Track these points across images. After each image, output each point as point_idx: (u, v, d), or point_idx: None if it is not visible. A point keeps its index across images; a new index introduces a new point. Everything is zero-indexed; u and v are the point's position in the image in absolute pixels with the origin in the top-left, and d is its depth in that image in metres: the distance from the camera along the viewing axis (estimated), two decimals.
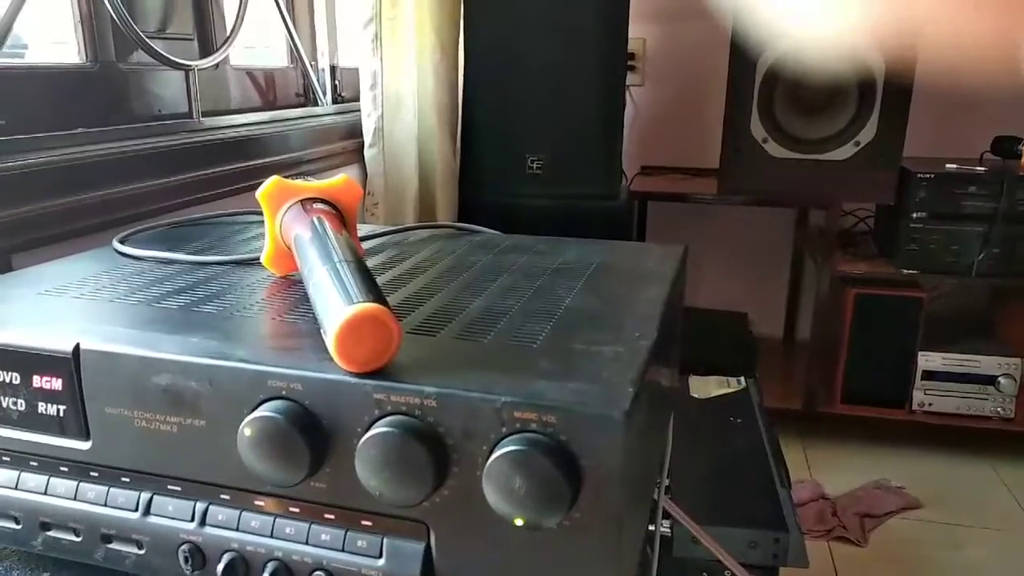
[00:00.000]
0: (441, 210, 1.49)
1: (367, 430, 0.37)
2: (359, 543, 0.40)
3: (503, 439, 0.35)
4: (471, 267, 0.59)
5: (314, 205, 0.53)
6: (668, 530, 0.88)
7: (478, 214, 1.53)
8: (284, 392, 0.38)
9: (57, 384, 0.42)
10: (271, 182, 0.53)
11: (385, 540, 0.39)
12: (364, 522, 0.40)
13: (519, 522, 0.35)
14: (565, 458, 0.35)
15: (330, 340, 0.37)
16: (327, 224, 0.50)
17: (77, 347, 0.42)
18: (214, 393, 0.39)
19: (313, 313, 0.42)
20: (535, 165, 1.54)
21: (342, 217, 0.54)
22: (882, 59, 1.66)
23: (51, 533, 0.45)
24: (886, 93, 1.68)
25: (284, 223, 0.53)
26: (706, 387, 1.28)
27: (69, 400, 0.42)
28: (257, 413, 0.38)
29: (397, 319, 0.38)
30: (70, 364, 0.42)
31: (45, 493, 0.45)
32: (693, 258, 2.21)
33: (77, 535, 0.45)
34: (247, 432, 0.38)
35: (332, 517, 0.40)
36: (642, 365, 0.40)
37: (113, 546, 0.44)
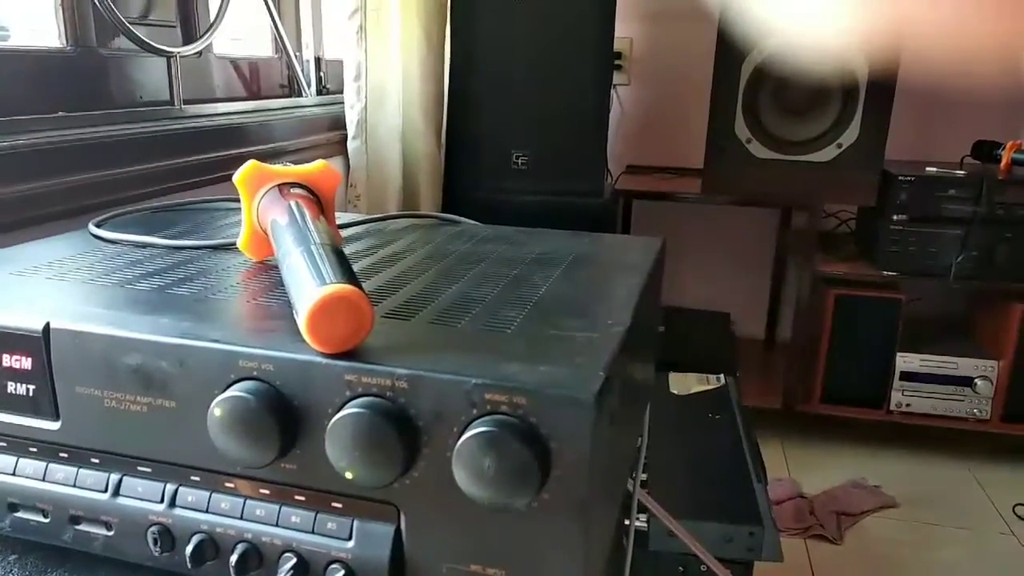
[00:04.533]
0: (424, 204, 1.49)
1: (338, 411, 0.37)
2: (329, 525, 0.40)
3: (473, 421, 0.35)
4: (448, 255, 0.59)
5: (291, 190, 0.53)
6: (644, 524, 0.89)
7: (462, 208, 1.51)
8: (255, 372, 0.38)
9: (27, 363, 0.42)
10: (248, 166, 0.53)
11: (355, 522, 0.39)
12: (334, 504, 0.40)
13: (488, 504, 0.35)
14: (535, 440, 0.35)
15: (302, 321, 0.37)
16: (304, 209, 0.49)
17: (47, 326, 0.41)
18: (185, 373, 0.39)
19: (287, 296, 0.42)
20: (520, 161, 1.54)
21: (320, 203, 0.54)
22: (865, 62, 1.67)
23: (19, 514, 0.45)
24: (869, 96, 1.70)
25: (261, 208, 0.53)
26: (686, 383, 1.28)
27: (38, 380, 0.42)
28: (227, 393, 0.38)
29: (370, 301, 0.38)
30: (40, 343, 0.41)
31: (13, 474, 0.44)
32: (676, 258, 2.22)
33: (45, 516, 0.44)
34: (217, 412, 0.38)
35: (302, 499, 0.40)
36: (614, 351, 0.40)
37: (82, 528, 0.44)
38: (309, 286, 0.39)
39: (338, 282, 0.38)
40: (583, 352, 0.39)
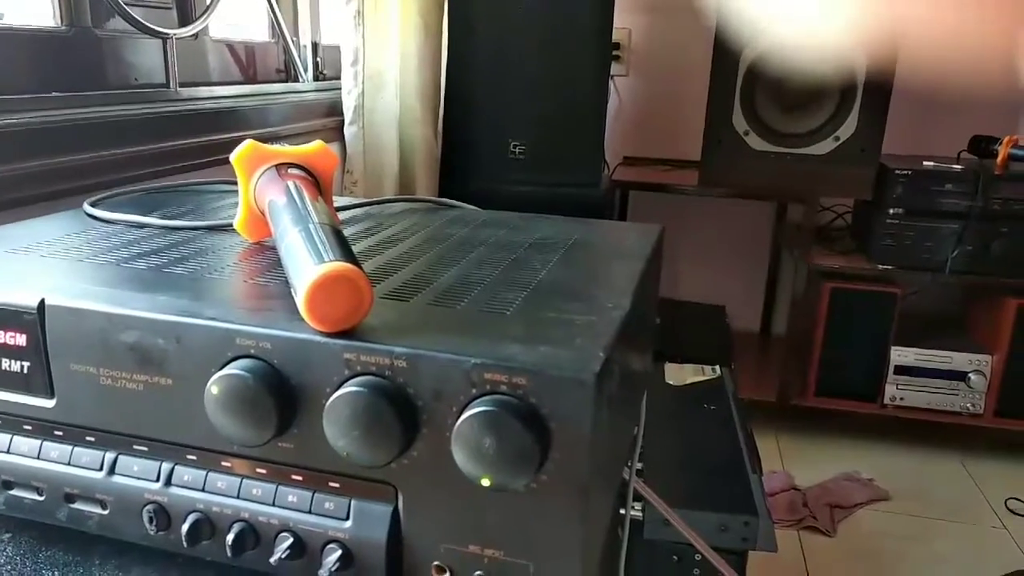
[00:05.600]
0: (421, 191, 1.48)
1: (336, 390, 0.36)
2: (326, 505, 0.39)
3: (473, 400, 0.35)
4: (447, 239, 0.59)
5: (289, 171, 0.52)
6: (639, 513, 0.89)
7: (458, 197, 1.51)
8: (253, 351, 0.38)
9: (21, 340, 0.42)
10: (246, 146, 0.52)
11: (352, 502, 0.39)
12: (331, 484, 0.39)
13: (486, 483, 0.35)
14: (534, 420, 0.34)
15: (300, 299, 0.37)
16: (303, 189, 0.49)
17: (42, 303, 0.41)
18: (181, 351, 0.39)
19: (285, 276, 0.42)
20: (517, 150, 1.54)
21: (318, 184, 0.54)
22: (864, 57, 1.67)
23: (13, 492, 0.45)
24: (867, 90, 1.69)
25: (258, 188, 0.52)
26: (681, 374, 1.28)
27: (33, 357, 0.42)
28: (225, 371, 0.37)
29: (369, 280, 0.38)
30: (35, 320, 0.41)
31: (8, 452, 0.44)
32: (672, 250, 2.22)
33: (40, 494, 0.44)
34: (214, 390, 0.37)
35: (299, 479, 0.40)
36: (614, 333, 0.39)
37: (76, 506, 0.44)
38: (307, 264, 0.38)
39: (337, 260, 0.38)
40: (583, 334, 0.39)
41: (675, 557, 0.93)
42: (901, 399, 1.91)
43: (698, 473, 1.01)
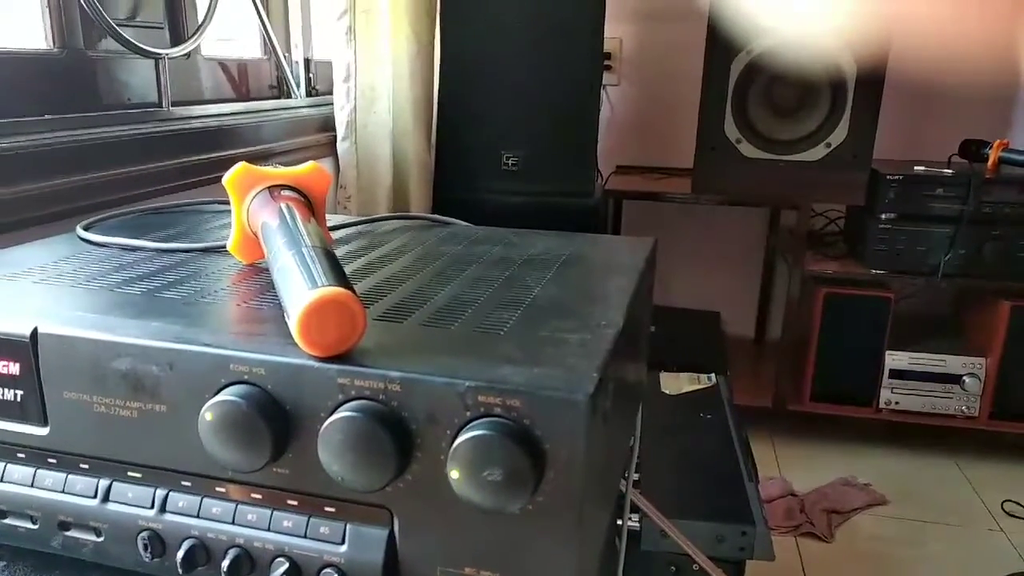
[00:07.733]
0: (415, 205, 1.48)
1: (330, 415, 0.36)
2: (321, 529, 0.39)
3: (467, 423, 0.35)
4: (441, 257, 0.59)
5: (282, 192, 0.52)
6: (636, 524, 0.89)
7: (452, 209, 1.51)
8: (246, 376, 0.38)
9: (15, 368, 0.42)
10: (238, 168, 0.52)
11: (348, 526, 0.39)
12: (327, 508, 0.39)
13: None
14: (529, 442, 0.35)
15: (293, 324, 0.37)
16: (295, 211, 0.49)
17: (35, 331, 0.41)
18: (175, 377, 0.39)
19: (278, 300, 0.42)
20: (511, 162, 1.54)
21: (311, 205, 0.54)
22: (854, 63, 1.68)
23: (7, 521, 0.44)
24: (857, 96, 1.70)
25: (251, 210, 0.52)
26: (677, 383, 1.29)
27: (27, 385, 0.42)
28: (219, 397, 0.37)
29: (362, 304, 0.38)
30: (28, 348, 0.41)
31: (1, 480, 0.44)
32: (666, 258, 2.22)
33: (34, 522, 0.44)
34: (208, 417, 0.37)
35: (294, 503, 0.40)
36: (607, 352, 0.40)
37: (71, 533, 0.43)
38: (300, 289, 0.38)
39: (330, 285, 0.38)
40: (576, 353, 0.39)
41: (673, 568, 0.93)
42: (896, 403, 1.91)
43: (695, 483, 1.01)
